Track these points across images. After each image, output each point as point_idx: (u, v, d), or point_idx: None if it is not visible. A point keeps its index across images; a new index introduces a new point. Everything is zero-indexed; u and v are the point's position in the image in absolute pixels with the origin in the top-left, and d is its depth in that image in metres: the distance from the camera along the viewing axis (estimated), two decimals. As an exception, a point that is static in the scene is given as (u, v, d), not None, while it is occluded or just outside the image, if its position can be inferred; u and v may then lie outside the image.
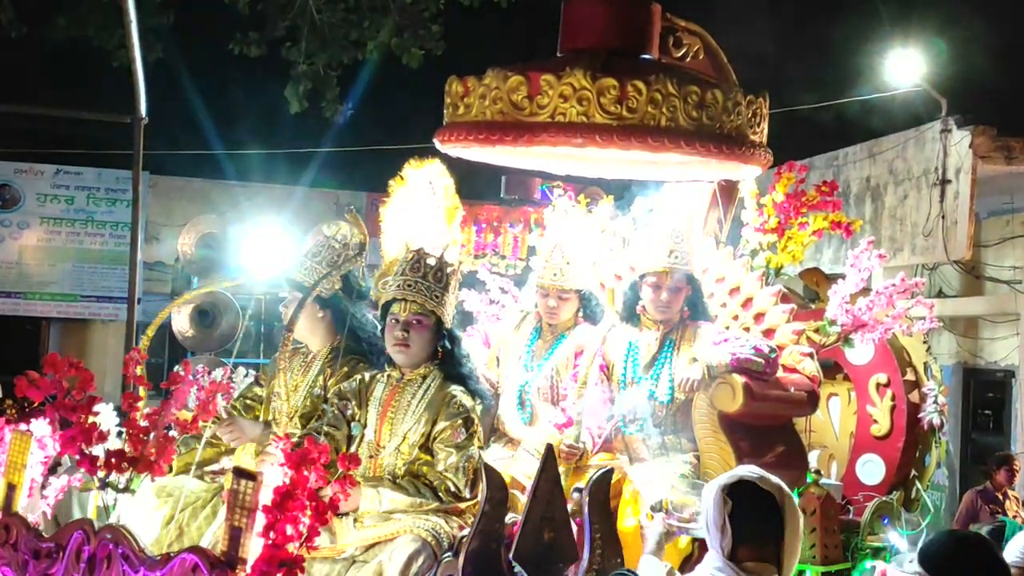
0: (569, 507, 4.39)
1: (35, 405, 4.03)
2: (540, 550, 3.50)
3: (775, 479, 3.16)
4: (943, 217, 11.50)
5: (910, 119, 12.04)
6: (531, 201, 11.20)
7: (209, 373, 5.16)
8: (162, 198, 14.20)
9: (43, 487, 4.06)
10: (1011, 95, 12.17)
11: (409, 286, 4.41)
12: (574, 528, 3.73)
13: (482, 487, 3.67)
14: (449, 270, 4.54)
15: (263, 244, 7.82)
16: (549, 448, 3.76)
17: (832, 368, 5.87)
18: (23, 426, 4.02)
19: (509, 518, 3.74)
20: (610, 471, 4.00)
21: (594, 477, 3.82)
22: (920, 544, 3.45)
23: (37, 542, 3.75)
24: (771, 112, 4.89)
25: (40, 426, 4.03)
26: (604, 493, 3.85)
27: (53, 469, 4.14)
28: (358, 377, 4.54)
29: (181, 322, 10.89)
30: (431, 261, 4.49)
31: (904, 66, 11.60)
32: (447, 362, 4.46)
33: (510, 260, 9.99)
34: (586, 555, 3.59)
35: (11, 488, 3.93)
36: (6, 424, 4.03)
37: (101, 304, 14.22)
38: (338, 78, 12.64)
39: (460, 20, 11.97)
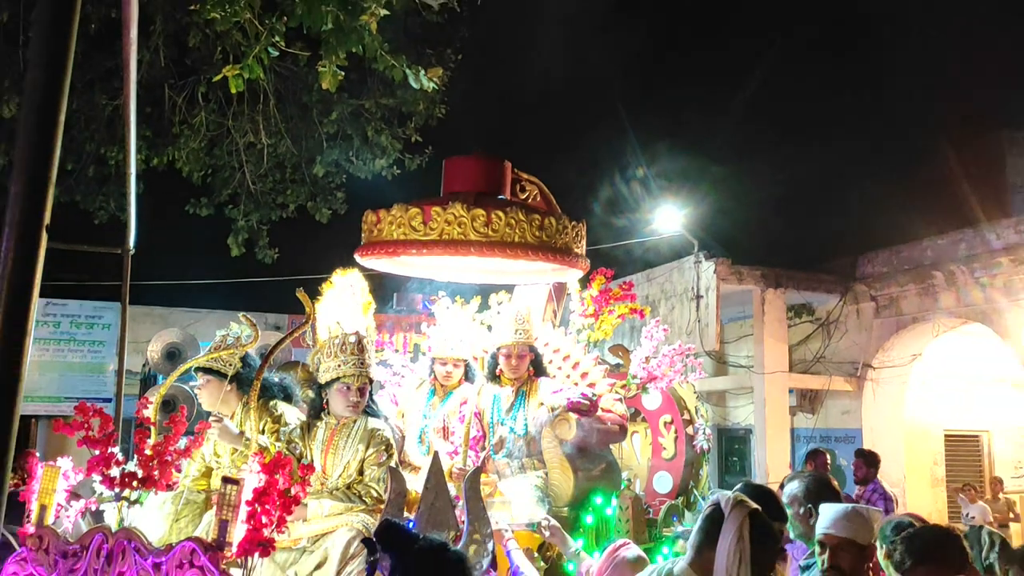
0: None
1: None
2: (432, 521, 3.58)
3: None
4: (699, 321, 12.17)
5: (673, 254, 12.77)
6: (415, 311, 11.39)
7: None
8: (131, 324, 13.73)
9: (66, 508, 3.94)
10: (741, 235, 13.07)
11: (358, 364, 4.43)
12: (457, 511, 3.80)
13: (391, 485, 3.75)
14: (367, 342, 4.62)
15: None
16: (435, 456, 3.88)
17: (634, 414, 6.11)
18: (52, 462, 3.93)
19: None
20: (479, 471, 4.05)
21: (468, 475, 3.90)
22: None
23: (64, 546, 3.64)
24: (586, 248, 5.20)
25: (64, 462, 3.95)
26: (475, 487, 3.88)
27: (75, 495, 4.01)
28: (300, 423, 4.53)
29: (149, 412, 10.46)
30: (365, 342, 4.53)
31: (668, 217, 12.37)
32: (368, 407, 4.52)
33: (401, 355, 10.08)
34: (466, 526, 3.66)
35: (43, 508, 3.82)
36: (37, 461, 3.94)
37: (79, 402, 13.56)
38: (267, 230, 12.60)
39: (360, 186, 12.17)
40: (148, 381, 11.46)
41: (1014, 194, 11.98)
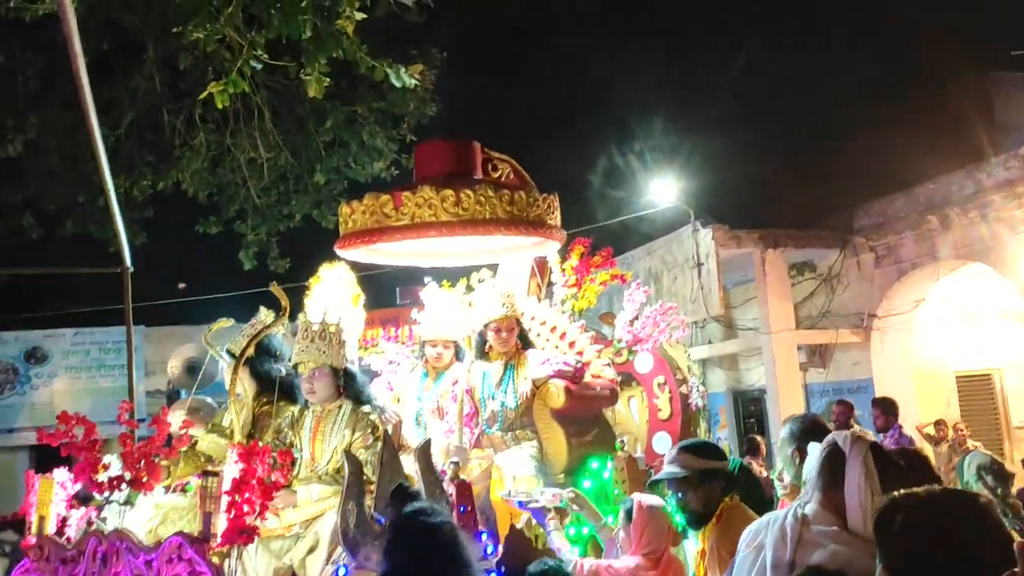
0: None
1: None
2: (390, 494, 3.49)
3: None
4: (702, 288, 12.00)
5: (671, 224, 12.59)
6: (419, 304, 11.33)
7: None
8: (156, 344, 13.83)
9: (67, 517, 3.91)
10: (737, 201, 12.83)
11: (309, 350, 4.34)
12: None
13: (346, 468, 3.57)
14: (332, 329, 4.42)
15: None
16: (386, 433, 3.76)
17: (628, 379, 6.01)
18: (47, 474, 3.91)
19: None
20: (428, 442, 3.89)
21: (418, 448, 3.68)
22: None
23: (64, 552, 3.63)
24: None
25: (60, 473, 3.93)
26: (427, 458, 3.71)
27: (85, 501, 3.99)
28: (290, 412, 4.48)
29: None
30: (316, 327, 4.39)
31: (664, 188, 12.22)
32: (351, 392, 4.44)
33: (408, 346, 10.10)
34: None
35: (42, 519, 3.80)
36: (35, 473, 3.92)
37: (114, 426, 13.65)
38: (276, 241, 12.55)
39: (362, 190, 12.11)
40: (172, 397, 11.51)
41: (1002, 134, 11.68)
